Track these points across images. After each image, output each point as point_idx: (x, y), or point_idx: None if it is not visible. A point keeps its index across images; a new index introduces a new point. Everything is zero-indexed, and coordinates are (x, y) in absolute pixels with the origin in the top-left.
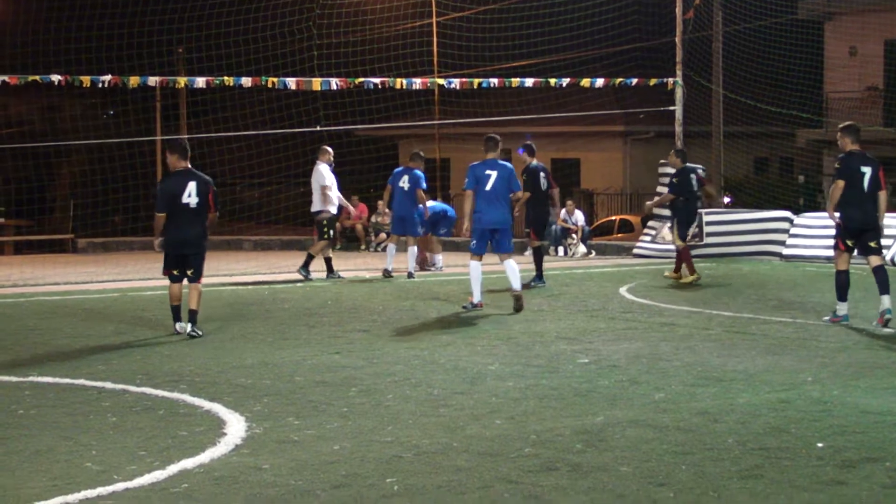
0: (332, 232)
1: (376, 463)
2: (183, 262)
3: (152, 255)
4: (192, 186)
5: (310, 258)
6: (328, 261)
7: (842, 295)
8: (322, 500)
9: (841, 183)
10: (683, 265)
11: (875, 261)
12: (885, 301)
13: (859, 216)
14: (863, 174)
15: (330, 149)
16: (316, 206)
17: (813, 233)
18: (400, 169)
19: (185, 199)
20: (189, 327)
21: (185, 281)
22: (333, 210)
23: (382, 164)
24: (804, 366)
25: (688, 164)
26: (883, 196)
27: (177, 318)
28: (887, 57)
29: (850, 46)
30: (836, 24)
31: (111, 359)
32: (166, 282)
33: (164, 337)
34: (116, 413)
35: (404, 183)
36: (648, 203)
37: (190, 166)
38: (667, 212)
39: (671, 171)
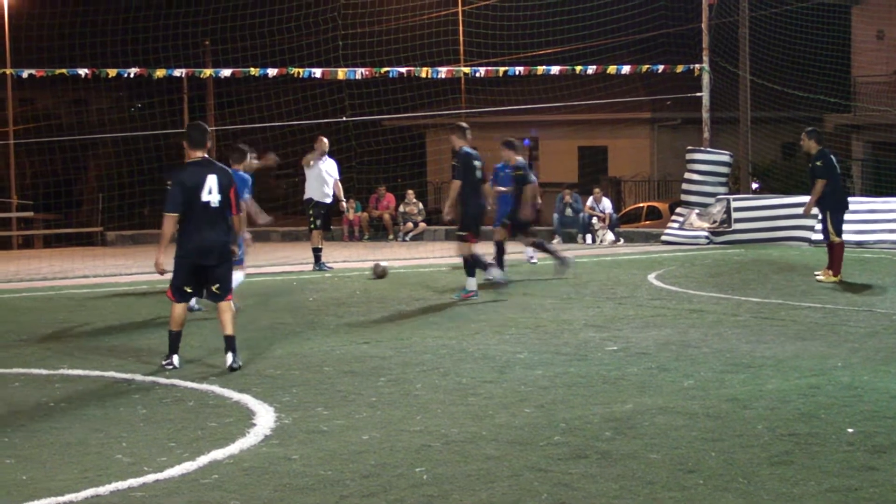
0: (317, 221)
1: (405, 452)
2: (201, 275)
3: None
4: (212, 180)
5: (315, 252)
6: (315, 251)
7: (472, 272)
8: (351, 490)
9: (457, 183)
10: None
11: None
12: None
13: (481, 206)
14: (475, 168)
15: (323, 139)
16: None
17: None
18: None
19: (204, 197)
20: (230, 358)
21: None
22: (317, 198)
23: (409, 153)
24: (834, 351)
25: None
26: (487, 188)
27: (174, 349)
28: None
29: (877, 30)
30: (864, 8)
31: (141, 351)
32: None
33: (193, 329)
34: (146, 405)
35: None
36: (807, 205)
37: (208, 156)
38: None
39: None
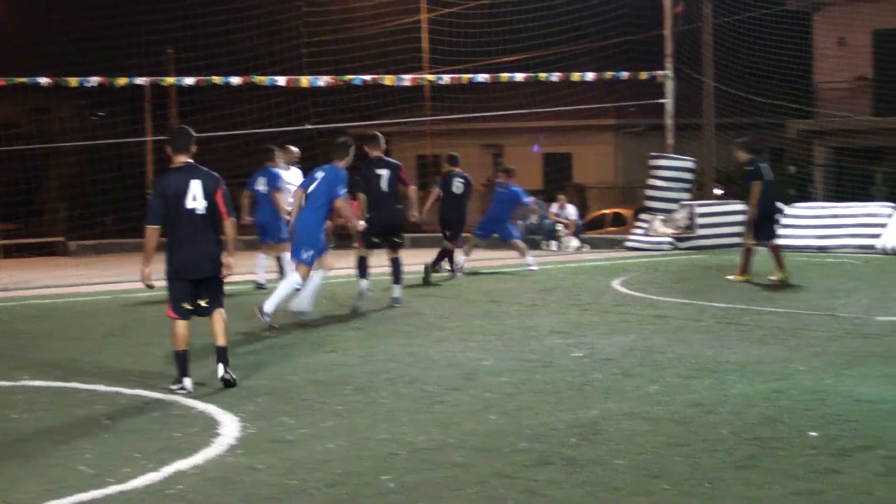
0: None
1: (371, 461)
2: (195, 290)
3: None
4: (195, 186)
5: (279, 261)
6: (279, 260)
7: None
8: (317, 499)
9: (362, 196)
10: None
11: (393, 254)
12: (396, 290)
13: (383, 216)
14: (379, 177)
15: (292, 149)
16: None
17: (804, 223)
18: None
19: (189, 204)
20: (221, 370)
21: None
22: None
23: None
24: (797, 355)
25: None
26: (412, 191)
27: (184, 372)
28: (876, 47)
29: (838, 37)
30: (825, 15)
31: (104, 361)
32: (163, 279)
33: (156, 338)
34: (110, 416)
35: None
36: (749, 211)
37: (192, 161)
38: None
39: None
